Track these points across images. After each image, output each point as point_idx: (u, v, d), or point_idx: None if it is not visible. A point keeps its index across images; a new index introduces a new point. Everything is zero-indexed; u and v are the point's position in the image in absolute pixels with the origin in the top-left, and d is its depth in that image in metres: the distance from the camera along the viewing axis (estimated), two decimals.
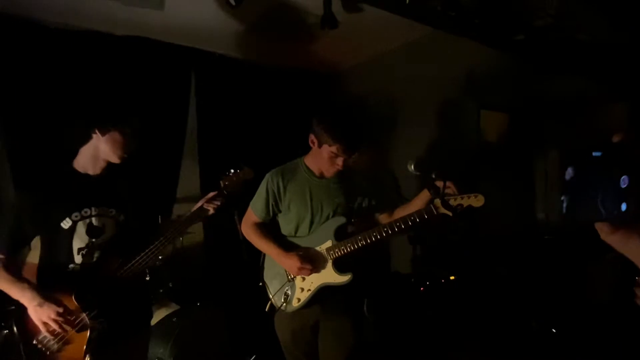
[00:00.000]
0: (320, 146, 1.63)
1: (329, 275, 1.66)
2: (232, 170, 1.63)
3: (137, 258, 1.47)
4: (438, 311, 2.76)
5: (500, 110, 3.08)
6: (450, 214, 1.40)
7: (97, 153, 1.47)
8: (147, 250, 1.48)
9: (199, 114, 3.26)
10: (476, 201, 1.37)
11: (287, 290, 1.71)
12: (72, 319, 1.37)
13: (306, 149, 1.80)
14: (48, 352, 1.36)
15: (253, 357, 2.42)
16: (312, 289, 1.67)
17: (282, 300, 1.69)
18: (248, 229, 1.82)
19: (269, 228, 1.81)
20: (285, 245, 1.74)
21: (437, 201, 1.41)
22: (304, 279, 1.69)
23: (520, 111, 2.93)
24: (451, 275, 2.93)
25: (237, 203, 2.18)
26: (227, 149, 3.25)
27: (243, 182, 1.63)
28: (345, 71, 3.82)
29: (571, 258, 2.46)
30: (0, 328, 2.06)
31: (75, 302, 1.38)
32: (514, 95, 2.84)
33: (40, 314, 1.33)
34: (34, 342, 1.36)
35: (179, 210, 3.01)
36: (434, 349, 2.64)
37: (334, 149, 1.58)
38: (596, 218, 0.34)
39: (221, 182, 1.62)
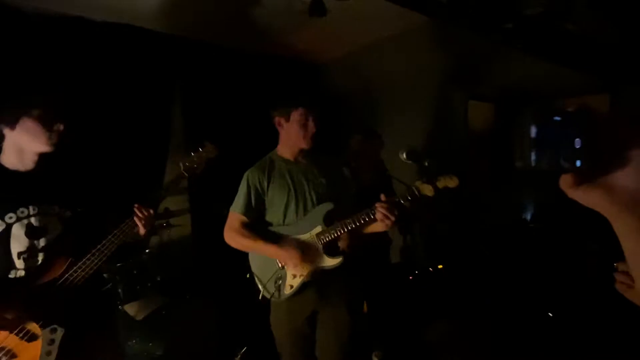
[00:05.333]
0: (288, 119, 1.71)
1: (320, 260, 1.67)
2: (192, 151, 1.53)
3: (87, 257, 1.33)
4: (426, 300, 2.80)
5: (489, 101, 3.11)
6: (431, 194, 1.46)
7: (20, 146, 1.32)
8: (97, 249, 1.33)
9: (184, 104, 3.19)
10: (451, 182, 1.46)
11: (278, 278, 1.70)
12: (14, 327, 1.25)
13: None
14: None
15: (243, 350, 2.41)
16: (304, 274, 1.67)
17: (274, 289, 1.69)
18: (233, 233, 1.75)
19: (254, 228, 1.75)
20: (275, 235, 1.72)
21: (418, 182, 1.48)
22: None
23: (507, 102, 2.96)
24: (439, 265, 2.98)
25: (224, 197, 2.14)
26: (214, 139, 3.19)
27: (206, 160, 1.53)
28: (334, 60, 3.78)
29: (555, 246, 2.52)
30: None
31: (20, 311, 1.25)
32: (502, 86, 2.86)
33: None
34: None
35: (166, 203, 2.96)
36: (423, 338, 2.68)
37: (300, 111, 1.68)
38: (557, 169, 0.44)
39: (180, 163, 1.50)
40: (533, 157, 0.43)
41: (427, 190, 1.46)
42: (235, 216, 1.76)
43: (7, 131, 1.31)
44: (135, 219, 1.39)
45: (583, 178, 0.42)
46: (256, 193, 1.73)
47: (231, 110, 3.35)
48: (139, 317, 2.24)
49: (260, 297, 1.74)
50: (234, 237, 1.75)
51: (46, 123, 1.31)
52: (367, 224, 1.60)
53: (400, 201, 1.51)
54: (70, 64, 2.53)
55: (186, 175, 1.51)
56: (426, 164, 1.41)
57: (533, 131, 0.43)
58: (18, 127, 1.30)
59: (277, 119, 1.75)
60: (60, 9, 2.54)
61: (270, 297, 1.71)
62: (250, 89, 3.40)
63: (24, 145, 1.33)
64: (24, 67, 2.32)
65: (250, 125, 3.38)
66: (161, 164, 3.03)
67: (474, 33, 1.87)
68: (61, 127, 1.34)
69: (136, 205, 1.40)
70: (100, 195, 1.53)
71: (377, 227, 1.64)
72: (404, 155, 1.44)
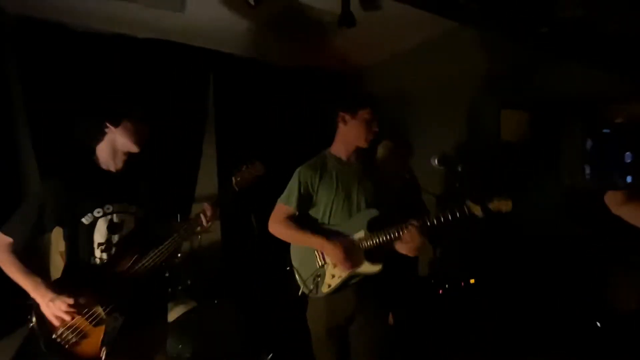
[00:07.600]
0: (355, 116, 1.73)
1: (360, 264, 1.67)
2: (244, 166, 1.61)
3: (150, 255, 1.47)
4: (456, 314, 2.69)
5: (522, 109, 3.00)
6: (480, 214, 1.43)
7: (115, 146, 1.51)
8: (159, 248, 1.48)
9: (217, 116, 3.30)
10: (505, 205, 1.42)
11: (317, 275, 1.72)
12: (85, 311, 1.40)
13: (325, 147, 1.85)
14: (67, 346, 1.39)
15: (270, 356, 2.41)
16: (343, 276, 1.68)
17: (312, 286, 1.71)
18: (280, 225, 1.79)
19: (300, 221, 1.80)
20: (320, 231, 1.74)
21: (469, 203, 1.46)
22: (335, 265, 1.69)
23: (542, 110, 2.84)
24: (471, 279, 2.85)
25: (253, 204, 2.17)
26: (245, 150, 3.27)
27: (255, 177, 1.61)
28: (364, 70, 3.80)
29: (595, 259, 2.36)
30: (27, 321, 2.13)
31: (92, 297, 1.40)
32: (536, 94, 2.76)
33: (53, 309, 1.35)
34: (53, 336, 1.38)
35: (197, 209, 3.04)
36: (449, 353, 2.57)
37: (369, 110, 1.72)
38: (608, 187, 0.39)
39: (233, 178, 1.60)
40: (584, 174, 0.40)
41: (477, 210, 1.43)
42: (283, 208, 1.80)
43: (109, 130, 1.48)
44: (202, 215, 1.56)
45: (632, 195, 0.40)
46: (306, 190, 1.77)
47: (264, 121, 3.42)
48: (169, 320, 2.29)
49: (299, 293, 1.76)
50: (280, 227, 1.79)
51: (140, 127, 1.51)
52: (396, 239, 1.60)
53: (447, 216, 1.49)
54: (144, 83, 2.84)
55: (237, 189, 1.61)
56: (459, 169, 1.38)
57: (583, 146, 0.40)
58: (120, 127, 1.48)
59: (342, 114, 1.77)
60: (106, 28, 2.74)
61: (309, 292, 1.73)
62: (281, 101, 3.48)
63: (119, 146, 1.51)
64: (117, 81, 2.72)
65: (282, 136, 3.45)
66: (193, 175, 3.14)
67: (507, 39, 1.83)
68: (147, 130, 1.54)
69: (206, 204, 1.59)
70: (166, 199, 1.69)
71: (401, 248, 1.64)
72: (436, 162, 1.42)
